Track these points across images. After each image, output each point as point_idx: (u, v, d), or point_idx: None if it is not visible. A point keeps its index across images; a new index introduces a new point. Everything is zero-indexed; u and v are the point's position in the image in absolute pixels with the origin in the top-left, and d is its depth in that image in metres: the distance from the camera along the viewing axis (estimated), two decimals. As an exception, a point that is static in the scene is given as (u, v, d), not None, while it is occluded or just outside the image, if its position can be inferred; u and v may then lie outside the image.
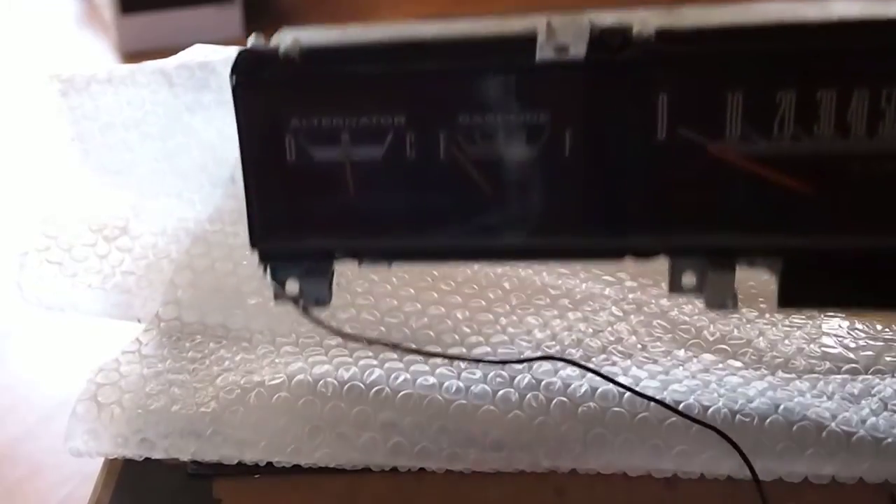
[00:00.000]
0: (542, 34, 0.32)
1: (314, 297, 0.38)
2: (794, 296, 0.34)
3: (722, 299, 0.35)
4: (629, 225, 0.34)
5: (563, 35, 0.32)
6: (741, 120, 0.31)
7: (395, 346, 0.45)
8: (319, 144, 0.34)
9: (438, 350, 0.45)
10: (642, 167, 0.33)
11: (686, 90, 0.32)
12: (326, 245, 0.37)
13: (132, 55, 1.74)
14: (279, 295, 0.38)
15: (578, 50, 0.31)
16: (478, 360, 0.44)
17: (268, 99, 0.34)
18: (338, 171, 0.34)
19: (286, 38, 0.34)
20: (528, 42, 0.32)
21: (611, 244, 0.35)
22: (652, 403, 0.42)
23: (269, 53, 0.34)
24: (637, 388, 0.43)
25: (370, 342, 0.46)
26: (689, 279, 0.35)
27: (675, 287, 0.35)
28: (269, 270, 0.38)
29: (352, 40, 0.34)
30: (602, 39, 0.31)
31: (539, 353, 0.45)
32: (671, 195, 0.33)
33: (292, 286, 0.38)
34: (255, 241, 0.37)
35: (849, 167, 0.31)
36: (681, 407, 0.42)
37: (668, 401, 0.42)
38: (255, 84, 0.34)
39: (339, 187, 0.35)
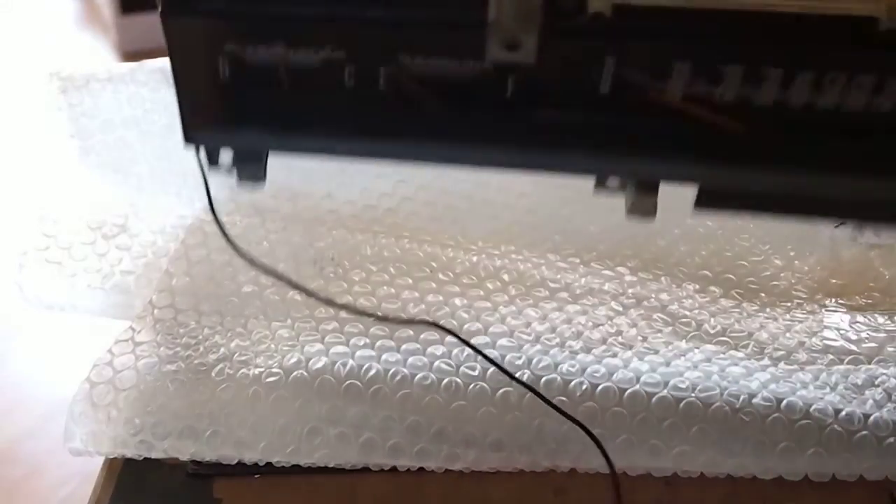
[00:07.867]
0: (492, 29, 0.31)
1: (249, 176, 0.39)
2: (709, 203, 0.35)
3: (644, 210, 0.36)
4: (568, 149, 0.34)
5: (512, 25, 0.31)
6: (687, 78, 0.32)
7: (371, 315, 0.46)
8: (254, 72, 0.34)
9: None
10: (584, 110, 0.33)
11: (634, 55, 0.32)
12: (259, 143, 0.37)
13: (132, 55, 1.74)
14: (213, 166, 0.38)
15: (529, 50, 0.31)
16: (364, 314, 0.46)
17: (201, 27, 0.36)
18: (272, 76, 0.34)
19: None
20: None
21: (548, 162, 0.35)
22: (653, 401, 0.42)
23: None
24: (637, 384, 0.43)
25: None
26: (613, 182, 0.36)
27: (600, 186, 0.36)
28: (202, 151, 0.38)
29: None
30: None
31: (539, 347, 0.45)
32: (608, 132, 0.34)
33: (226, 161, 0.38)
34: (188, 136, 0.36)
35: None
36: (682, 405, 0.42)
37: (668, 397, 0.42)
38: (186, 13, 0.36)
39: (274, 90, 0.34)
